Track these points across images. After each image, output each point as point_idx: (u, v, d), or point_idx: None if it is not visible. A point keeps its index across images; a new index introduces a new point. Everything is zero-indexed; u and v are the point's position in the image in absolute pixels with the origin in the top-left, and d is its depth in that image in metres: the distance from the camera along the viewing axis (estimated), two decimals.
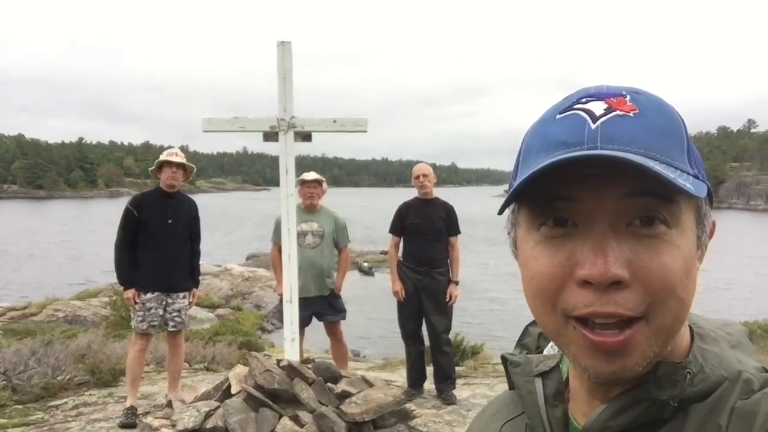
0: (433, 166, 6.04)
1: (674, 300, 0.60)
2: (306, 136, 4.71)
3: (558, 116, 0.64)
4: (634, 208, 0.60)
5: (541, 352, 0.91)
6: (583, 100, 0.64)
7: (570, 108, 0.64)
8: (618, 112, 0.62)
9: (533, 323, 0.90)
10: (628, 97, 0.63)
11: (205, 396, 4.99)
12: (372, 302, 24.02)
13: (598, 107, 0.62)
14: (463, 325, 15.72)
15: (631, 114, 0.61)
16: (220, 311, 21.69)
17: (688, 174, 0.61)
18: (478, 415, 0.89)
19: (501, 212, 0.70)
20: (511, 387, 0.81)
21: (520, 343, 0.97)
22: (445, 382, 5.88)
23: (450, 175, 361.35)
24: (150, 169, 5.48)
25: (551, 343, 0.89)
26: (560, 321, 0.63)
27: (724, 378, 0.64)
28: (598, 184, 0.60)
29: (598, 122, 0.61)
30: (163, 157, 5.36)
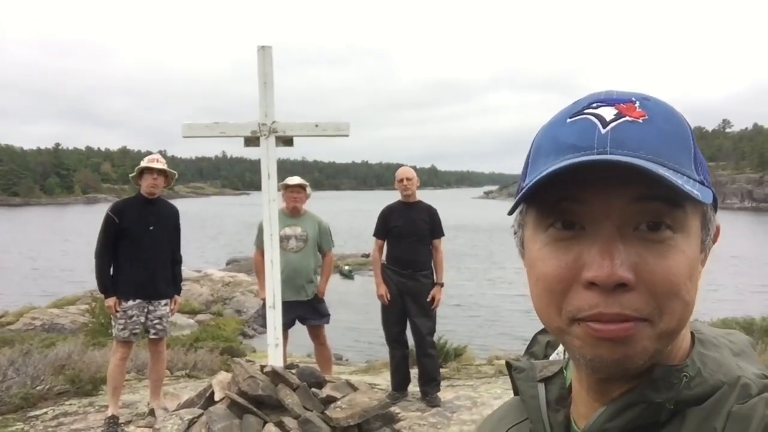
0: (414, 168, 6.07)
1: (678, 302, 0.61)
2: (288, 141, 4.70)
3: (568, 120, 0.65)
4: (641, 213, 0.61)
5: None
6: (594, 105, 0.65)
7: (580, 112, 0.65)
8: (627, 117, 0.63)
9: (542, 331, 0.91)
10: (637, 104, 0.64)
11: (188, 403, 4.94)
12: (353, 306, 23.98)
13: (608, 113, 0.64)
14: (446, 329, 15.77)
15: (640, 120, 0.63)
16: (200, 317, 21.53)
17: (695, 180, 0.63)
18: (486, 419, 0.90)
19: (511, 213, 0.71)
20: (516, 392, 0.82)
21: (528, 351, 0.97)
22: (430, 384, 5.88)
23: (430, 178, 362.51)
24: (131, 175, 5.44)
25: (557, 351, 0.90)
26: (565, 321, 0.64)
27: (723, 383, 0.64)
28: (607, 188, 0.61)
29: (608, 127, 0.62)
30: (144, 163, 5.31)
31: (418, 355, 5.90)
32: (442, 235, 5.93)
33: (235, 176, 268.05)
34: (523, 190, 0.64)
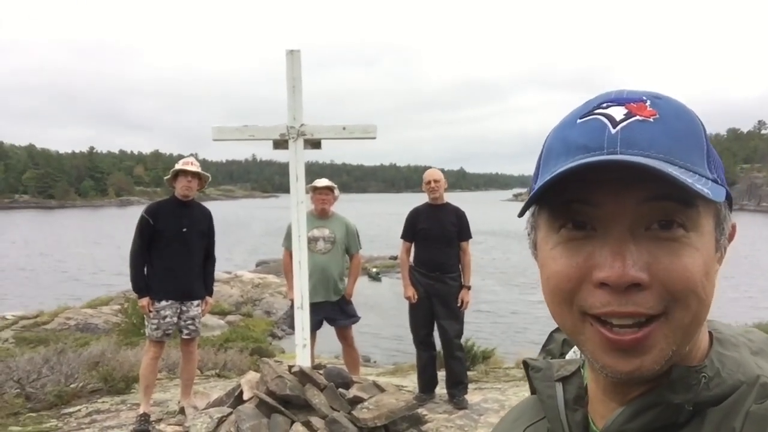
0: (441, 170, 6.05)
1: (694, 299, 0.61)
2: (315, 144, 4.75)
3: (578, 121, 0.65)
4: (652, 212, 0.61)
5: (565, 357, 0.92)
6: (604, 105, 0.65)
7: (590, 113, 0.65)
8: (638, 117, 0.63)
9: (558, 330, 0.91)
10: (648, 102, 0.64)
11: (218, 402, 5.01)
12: (380, 308, 24.01)
13: (618, 112, 0.63)
14: (475, 332, 15.67)
15: (651, 119, 0.62)
16: (230, 318, 21.72)
17: (707, 178, 0.62)
18: (502, 419, 0.90)
19: (521, 215, 0.71)
20: (533, 392, 0.82)
21: (545, 349, 0.97)
22: (457, 387, 5.87)
23: (458, 180, 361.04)
24: (165, 178, 5.53)
25: (573, 349, 0.90)
26: (577, 318, 0.64)
27: (742, 382, 0.64)
28: (618, 188, 0.61)
29: (618, 127, 0.62)
30: (178, 166, 5.40)
31: (446, 357, 5.89)
32: (470, 237, 5.91)
33: (264, 179, 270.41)
34: (534, 191, 0.65)
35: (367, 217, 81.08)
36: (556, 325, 0.74)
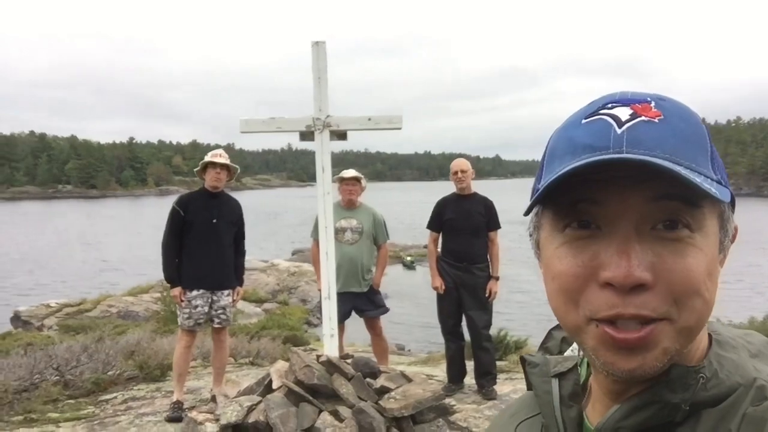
0: (477, 158, 6.11)
1: (698, 300, 0.61)
2: (341, 135, 4.76)
3: (583, 121, 0.66)
4: (658, 212, 0.61)
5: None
6: (609, 105, 0.66)
7: (595, 113, 0.65)
8: (643, 117, 0.63)
9: (557, 327, 0.91)
10: (653, 104, 0.64)
11: (248, 391, 5.08)
12: (415, 296, 24.00)
13: (623, 113, 0.64)
14: (510, 323, 15.57)
15: (656, 120, 0.63)
16: (267, 306, 22.00)
17: (712, 179, 0.62)
18: (498, 415, 0.91)
19: (527, 214, 0.71)
20: (530, 388, 0.82)
21: (543, 347, 0.97)
22: (485, 377, 5.86)
23: (495, 168, 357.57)
24: (195, 170, 5.62)
25: (572, 347, 0.90)
26: (582, 319, 0.64)
27: (739, 384, 0.64)
28: (623, 188, 0.61)
29: (624, 127, 0.62)
30: (207, 158, 5.48)
31: (474, 348, 5.88)
32: (499, 227, 5.87)
33: (300, 168, 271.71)
34: (539, 191, 0.65)
35: (402, 206, 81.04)
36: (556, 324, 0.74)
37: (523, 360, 0.84)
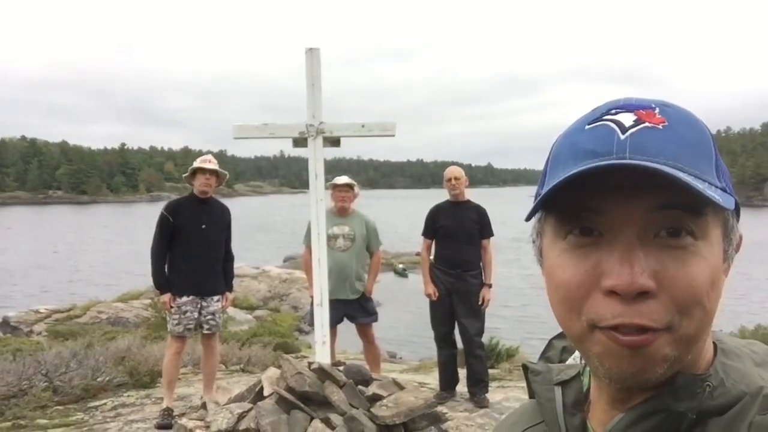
0: (469, 166, 6.08)
1: (699, 309, 0.61)
2: (335, 141, 4.76)
3: (587, 127, 0.65)
4: (661, 220, 0.60)
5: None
6: (612, 111, 0.65)
7: (599, 119, 0.65)
8: (647, 123, 0.62)
9: (557, 336, 0.91)
10: (657, 110, 0.64)
11: (239, 398, 5.05)
12: (408, 304, 23.98)
13: (627, 119, 0.63)
14: (500, 330, 15.55)
15: (660, 126, 0.62)
16: (258, 312, 21.94)
17: (716, 187, 0.62)
18: (500, 423, 0.90)
19: (528, 219, 0.71)
20: (532, 396, 0.82)
21: (544, 356, 0.97)
22: (478, 385, 5.85)
23: (486, 176, 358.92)
24: (184, 175, 5.61)
25: (573, 356, 0.90)
26: (585, 327, 0.63)
27: (745, 393, 0.63)
28: (626, 194, 0.60)
29: (628, 133, 0.62)
30: (196, 164, 5.47)
31: (466, 355, 5.87)
32: (492, 235, 5.88)
33: (292, 175, 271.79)
34: (541, 196, 0.64)
35: (394, 214, 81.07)
36: (557, 332, 0.73)
37: (525, 368, 0.83)
